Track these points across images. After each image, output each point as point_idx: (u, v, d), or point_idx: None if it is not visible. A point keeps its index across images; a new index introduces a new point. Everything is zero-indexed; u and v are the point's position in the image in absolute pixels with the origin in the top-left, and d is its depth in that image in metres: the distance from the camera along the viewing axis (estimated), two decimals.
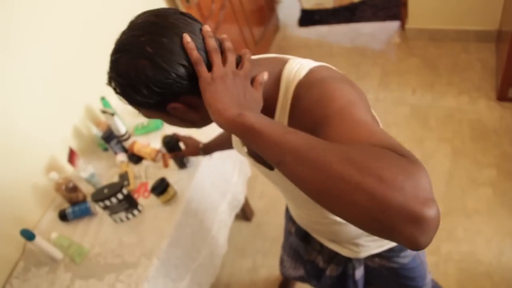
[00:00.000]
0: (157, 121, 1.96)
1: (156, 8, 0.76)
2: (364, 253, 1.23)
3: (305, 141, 0.53)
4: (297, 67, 0.76)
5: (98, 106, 2.01)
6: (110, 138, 1.83)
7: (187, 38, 0.69)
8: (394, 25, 3.83)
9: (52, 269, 1.53)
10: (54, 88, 1.83)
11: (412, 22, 3.52)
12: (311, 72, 0.74)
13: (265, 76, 0.75)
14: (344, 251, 1.25)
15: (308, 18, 4.26)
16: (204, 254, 1.71)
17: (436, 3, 3.26)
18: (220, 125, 0.65)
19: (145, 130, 1.96)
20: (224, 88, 0.68)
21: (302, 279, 1.69)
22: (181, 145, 1.61)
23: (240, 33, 3.33)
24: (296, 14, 4.35)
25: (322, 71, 0.74)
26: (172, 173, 1.73)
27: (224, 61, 0.72)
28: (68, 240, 1.51)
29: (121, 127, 1.87)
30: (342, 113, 0.63)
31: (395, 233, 0.45)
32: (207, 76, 0.69)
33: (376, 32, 3.84)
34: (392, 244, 1.22)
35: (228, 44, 0.75)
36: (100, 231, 1.61)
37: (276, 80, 0.77)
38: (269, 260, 2.38)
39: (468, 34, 3.34)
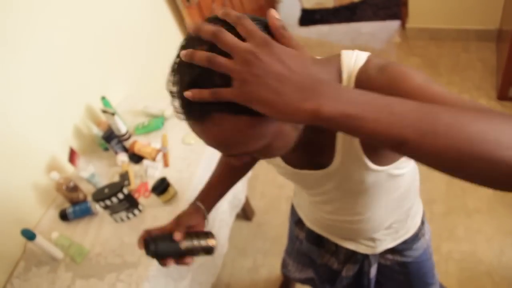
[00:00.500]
0: (157, 121, 1.96)
1: None
2: (380, 247, 1.24)
3: (418, 110, 0.48)
4: (354, 56, 0.75)
5: (98, 105, 2.01)
6: (110, 138, 1.83)
7: (183, 52, 0.56)
8: (394, 24, 3.82)
9: (52, 269, 1.53)
10: (55, 88, 1.83)
11: (413, 21, 3.51)
12: (370, 59, 0.73)
13: (275, 13, 0.59)
14: (361, 248, 1.26)
15: (309, 17, 4.26)
16: None
17: (437, 3, 3.25)
18: (300, 123, 0.51)
19: (145, 130, 1.96)
20: (264, 73, 0.49)
21: (308, 282, 1.68)
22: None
23: None
24: (297, 14, 4.35)
25: (381, 58, 0.74)
26: (173, 173, 1.73)
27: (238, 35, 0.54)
28: (68, 239, 1.51)
29: (122, 127, 1.87)
30: (423, 88, 0.61)
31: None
32: (233, 66, 0.51)
33: (376, 32, 3.83)
34: (406, 237, 1.23)
35: (232, 16, 0.57)
36: (100, 230, 1.61)
37: (338, 72, 0.75)
38: (269, 260, 2.38)
39: (468, 34, 3.34)
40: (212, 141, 0.62)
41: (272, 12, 0.58)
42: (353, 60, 0.74)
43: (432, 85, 0.61)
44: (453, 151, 0.46)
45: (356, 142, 0.78)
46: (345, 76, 0.74)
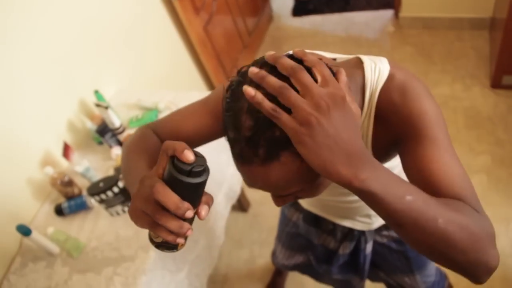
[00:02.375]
0: (151, 114, 1.96)
1: None
2: (376, 223, 1.28)
3: (424, 206, 0.56)
4: (377, 71, 0.76)
5: (91, 99, 2.00)
6: (104, 132, 1.82)
7: (248, 90, 0.55)
8: (388, 13, 3.82)
9: (49, 264, 1.53)
10: (48, 82, 1.82)
11: (406, 10, 3.51)
12: (391, 75, 0.75)
13: (344, 76, 0.61)
14: (358, 225, 1.30)
15: (302, 7, 4.24)
16: (201, 245, 1.72)
17: None
18: (333, 181, 0.55)
19: (139, 123, 1.95)
20: (322, 135, 0.53)
21: (295, 268, 1.70)
22: None
23: (233, 24, 3.31)
24: (290, 4, 4.33)
25: (402, 71, 0.75)
26: None
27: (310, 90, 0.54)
28: (64, 234, 1.51)
29: (116, 120, 1.86)
30: (437, 140, 0.68)
31: (472, 277, 0.61)
32: (294, 126, 0.53)
33: (370, 21, 3.82)
34: None
35: (310, 58, 0.58)
36: (96, 225, 1.61)
37: (361, 87, 0.76)
38: (266, 250, 2.39)
39: (462, 22, 3.34)
40: (271, 183, 0.61)
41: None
42: (376, 76, 0.76)
43: (446, 141, 0.69)
44: (432, 248, 0.57)
45: (367, 144, 0.82)
46: (367, 93, 0.76)
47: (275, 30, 4.08)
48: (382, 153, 0.84)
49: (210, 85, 3.10)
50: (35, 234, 1.47)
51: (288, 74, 0.55)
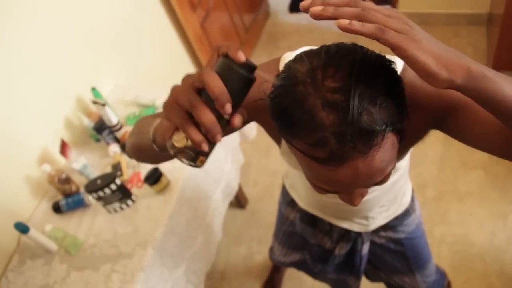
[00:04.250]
0: (148, 111, 1.95)
1: None
2: (373, 225, 1.28)
3: None
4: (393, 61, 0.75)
5: (88, 96, 1.99)
6: (102, 129, 1.82)
7: (342, 22, 0.49)
8: None
9: (47, 261, 1.53)
10: (44, 80, 1.81)
11: (403, 6, 3.50)
12: (406, 66, 0.75)
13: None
14: (355, 227, 1.30)
15: (299, 4, 4.20)
16: (199, 242, 1.72)
17: None
18: (442, 85, 0.49)
19: (137, 120, 1.95)
20: (422, 35, 0.49)
21: (292, 265, 1.71)
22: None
23: (230, 21, 3.31)
24: (287, 0, 4.31)
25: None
26: (165, 163, 1.72)
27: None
28: (62, 232, 1.51)
29: (113, 118, 1.85)
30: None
31: None
32: (401, 37, 0.48)
33: None
34: (397, 213, 1.28)
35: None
36: (94, 222, 1.61)
37: None
38: (264, 247, 2.39)
39: (459, 18, 3.34)
40: (374, 170, 0.57)
41: None
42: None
43: None
44: None
45: None
46: None
47: (272, 26, 4.07)
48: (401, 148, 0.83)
49: None
50: (33, 232, 1.47)
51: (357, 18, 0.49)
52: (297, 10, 4.17)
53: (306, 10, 0.52)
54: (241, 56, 0.50)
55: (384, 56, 0.58)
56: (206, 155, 0.55)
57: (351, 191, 0.64)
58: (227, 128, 0.53)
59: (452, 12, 3.33)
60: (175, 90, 0.53)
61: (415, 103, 0.71)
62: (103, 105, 1.81)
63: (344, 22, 0.48)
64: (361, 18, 0.48)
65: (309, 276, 1.72)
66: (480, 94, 0.49)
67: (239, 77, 0.51)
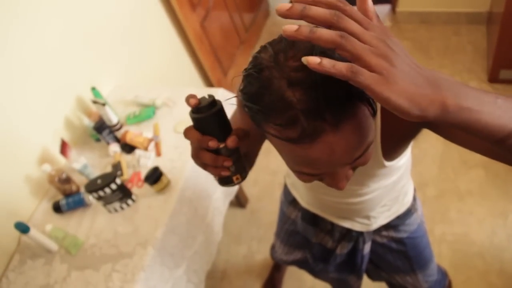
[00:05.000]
0: (148, 110, 1.95)
1: None
2: (375, 224, 1.28)
3: None
4: None
5: (89, 96, 1.99)
6: (102, 129, 1.82)
7: (311, 59, 0.46)
8: (385, 8, 3.81)
9: (48, 261, 1.53)
10: (45, 80, 1.81)
11: (403, 5, 3.50)
12: None
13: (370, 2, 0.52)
14: (356, 226, 1.30)
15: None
16: (199, 241, 1.72)
17: None
18: (428, 117, 0.47)
19: (137, 120, 1.95)
20: (401, 74, 0.45)
21: (294, 264, 1.71)
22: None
23: (230, 20, 3.30)
24: (286, 0, 4.32)
25: None
26: (165, 162, 1.72)
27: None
28: (63, 231, 1.51)
29: (113, 117, 1.86)
30: None
31: None
32: (373, 78, 0.44)
33: None
34: (399, 212, 1.28)
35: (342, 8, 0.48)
36: (94, 221, 1.61)
37: None
38: (264, 246, 2.39)
39: (459, 16, 3.34)
40: (351, 143, 0.57)
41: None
42: None
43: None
44: None
45: (377, 142, 0.82)
46: None
47: (272, 25, 4.07)
48: (392, 146, 0.84)
49: (207, 81, 3.10)
50: (33, 232, 1.47)
51: (329, 24, 0.46)
52: None
53: (281, 15, 0.49)
54: (190, 102, 0.60)
55: None
56: (235, 174, 0.69)
57: (334, 172, 0.63)
58: (230, 150, 0.65)
59: (452, 10, 3.33)
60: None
61: None
62: (103, 104, 1.81)
63: (315, 60, 0.45)
64: (337, 46, 0.44)
65: (310, 275, 1.72)
66: (456, 125, 0.49)
67: (201, 121, 0.62)
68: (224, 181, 0.70)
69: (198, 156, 0.65)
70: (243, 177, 0.71)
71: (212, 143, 0.62)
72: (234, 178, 0.70)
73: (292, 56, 0.54)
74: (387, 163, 0.92)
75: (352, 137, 0.56)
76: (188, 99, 0.60)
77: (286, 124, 0.55)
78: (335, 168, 0.62)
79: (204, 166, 0.67)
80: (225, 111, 0.64)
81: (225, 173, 0.67)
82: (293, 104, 0.53)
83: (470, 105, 0.47)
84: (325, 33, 0.44)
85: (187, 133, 0.63)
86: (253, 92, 0.57)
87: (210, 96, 0.62)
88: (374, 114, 0.59)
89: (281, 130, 0.56)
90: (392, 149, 0.85)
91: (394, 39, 0.48)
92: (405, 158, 1.03)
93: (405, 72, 0.45)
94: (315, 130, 0.54)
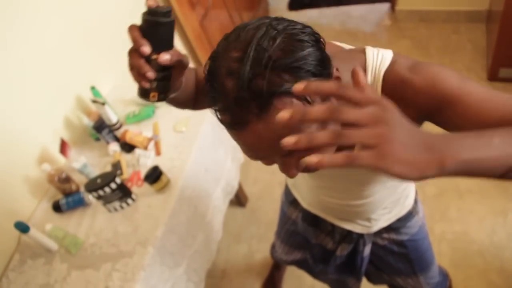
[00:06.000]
0: (148, 109, 1.95)
1: None
2: (376, 227, 1.28)
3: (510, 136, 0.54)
4: (380, 55, 0.75)
5: (88, 95, 1.99)
6: (101, 128, 1.82)
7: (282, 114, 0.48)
8: (384, 7, 3.81)
9: (48, 261, 1.53)
10: (44, 79, 1.81)
11: (402, 3, 3.50)
12: (395, 59, 0.74)
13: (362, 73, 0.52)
14: (357, 228, 1.30)
15: (298, 1, 4.23)
16: (199, 240, 1.72)
17: None
18: (427, 178, 0.50)
19: (136, 119, 1.95)
20: (396, 145, 0.47)
21: (294, 264, 1.71)
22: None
23: (229, 19, 3.30)
24: None
25: (405, 57, 0.74)
26: (165, 161, 1.72)
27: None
28: (62, 231, 1.51)
29: (112, 116, 1.86)
30: (465, 90, 0.66)
31: None
32: (368, 156, 0.46)
33: (366, 14, 3.82)
34: (400, 215, 1.27)
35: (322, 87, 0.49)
36: (94, 221, 1.61)
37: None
38: (264, 245, 2.39)
39: (458, 15, 3.34)
40: (276, 134, 0.57)
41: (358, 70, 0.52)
42: (379, 60, 0.74)
43: (470, 85, 0.66)
44: None
45: None
46: (369, 75, 0.74)
47: None
48: None
49: None
50: (33, 231, 1.47)
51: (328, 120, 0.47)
52: (296, 8, 4.17)
53: (283, 126, 0.51)
54: (150, 2, 0.63)
55: (295, 25, 0.61)
56: (154, 91, 0.70)
57: (282, 160, 0.66)
58: (160, 66, 0.67)
59: (452, 9, 3.33)
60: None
61: (404, 97, 0.72)
62: (103, 104, 1.81)
63: (313, 160, 0.46)
64: (336, 143, 0.46)
65: (310, 275, 1.73)
66: (457, 176, 0.52)
67: (150, 23, 0.63)
68: (141, 93, 0.72)
69: (130, 56, 0.67)
70: (161, 98, 0.72)
71: (144, 49, 0.65)
72: (151, 94, 0.71)
73: (234, 48, 0.60)
74: None
75: (276, 129, 0.58)
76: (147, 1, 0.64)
77: (221, 110, 0.61)
78: (274, 157, 0.65)
79: (131, 68, 0.69)
80: (173, 28, 0.68)
81: (145, 85, 0.69)
82: (227, 92, 0.58)
83: (466, 157, 0.50)
84: (321, 136, 0.46)
85: (130, 29, 0.66)
86: (206, 76, 0.64)
87: (168, 8, 0.65)
88: None
89: (219, 114, 0.62)
90: None
91: (388, 106, 0.49)
92: None
93: (402, 142, 0.48)
94: (242, 119, 0.59)
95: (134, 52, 0.66)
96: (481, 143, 0.52)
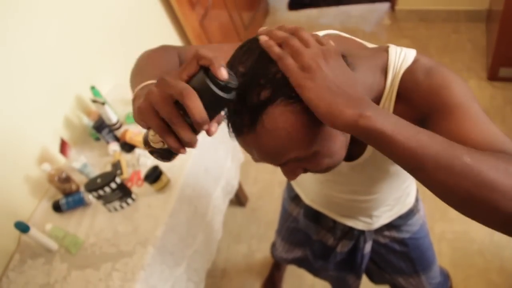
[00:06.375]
0: None
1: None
2: (377, 224, 1.28)
3: (443, 145, 0.52)
4: (403, 54, 0.75)
5: (88, 95, 1.99)
6: (101, 128, 1.82)
7: (262, 36, 0.61)
8: (384, 6, 3.81)
9: (48, 261, 1.53)
10: (44, 79, 1.81)
11: (402, 3, 3.50)
12: (417, 59, 0.74)
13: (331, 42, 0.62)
14: (359, 225, 1.30)
15: (298, 1, 4.23)
16: (199, 240, 1.72)
17: None
18: (337, 129, 0.54)
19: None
20: (323, 78, 0.55)
21: (294, 262, 1.71)
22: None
23: (229, 18, 3.30)
24: None
25: (428, 59, 0.74)
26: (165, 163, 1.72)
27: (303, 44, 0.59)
28: (63, 231, 1.51)
29: (112, 116, 1.86)
30: (465, 107, 0.65)
31: None
32: (297, 70, 0.56)
33: (366, 14, 3.82)
34: (400, 212, 1.28)
35: (283, 25, 0.64)
36: (94, 221, 1.61)
37: (382, 69, 0.75)
38: (264, 245, 2.39)
39: (458, 14, 3.34)
40: (265, 149, 0.63)
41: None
42: (401, 59, 0.74)
43: (475, 105, 0.65)
44: (462, 190, 0.50)
45: None
46: (390, 74, 0.74)
47: (272, 24, 4.07)
48: None
49: None
50: (33, 231, 1.47)
51: (282, 41, 0.60)
52: (296, 7, 4.17)
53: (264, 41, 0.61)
54: (224, 74, 0.51)
55: None
56: (175, 154, 0.61)
57: (266, 162, 0.68)
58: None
59: (452, 8, 3.33)
60: (151, 96, 0.52)
61: (409, 97, 0.72)
62: (103, 103, 1.80)
63: (265, 38, 0.60)
64: (283, 40, 0.59)
65: (310, 273, 1.73)
66: (367, 141, 0.54)
67: (217, 101, 0.53)
68: (165, 156, 0.59)
69: (173, 119, 0.51)
70: (175, 158, 0.63)
71: (206, 127, 0.54)
72: (174, 156, 0.60)
73: (241, 62, 0.62)
74: None
75: (268, 143, 0.61)
76: (219, 66, 0.51)
77: (227, 115, 0.63)
78: (266, 162, 0.67)
79: (166, 133, 0.53)
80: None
81: (184, 152, 0.56)
82: (232, 102, 0.60)
83: (380, 128, 0.51)
84: (280, 34, 0.60)
85: (187, 97, 0.49)
86: None
87: (236, 83, 0.56)
88: (315, 124, 0.61)
89: (227, 117, 0.64)
90: None
91: (341, 60, 0.60)
92: None
93: (333, 82, 0.55)
94: (237, 128, 0.62)
95: (183, 122, 0.52)
96: (407, 129, 0.52)
